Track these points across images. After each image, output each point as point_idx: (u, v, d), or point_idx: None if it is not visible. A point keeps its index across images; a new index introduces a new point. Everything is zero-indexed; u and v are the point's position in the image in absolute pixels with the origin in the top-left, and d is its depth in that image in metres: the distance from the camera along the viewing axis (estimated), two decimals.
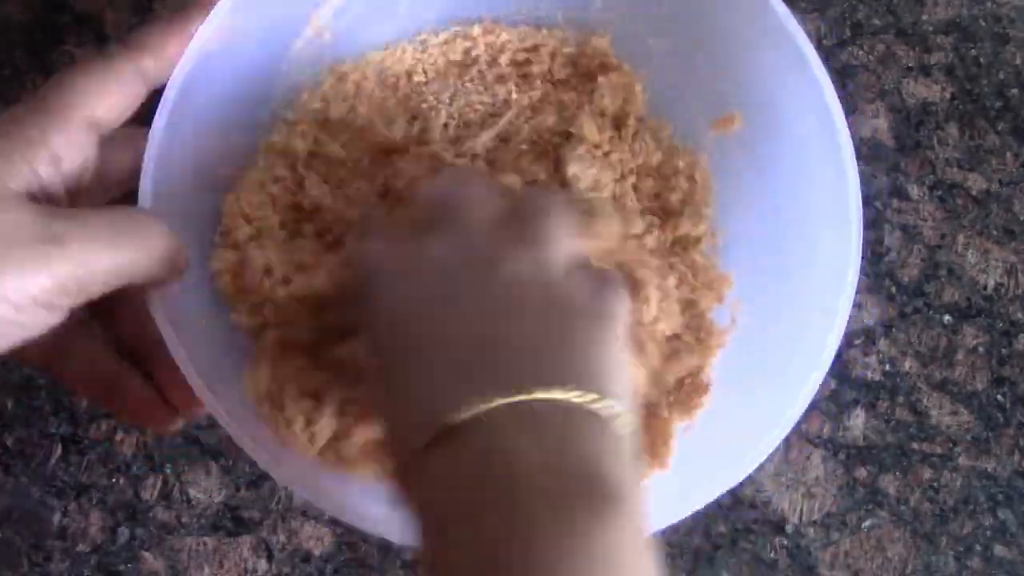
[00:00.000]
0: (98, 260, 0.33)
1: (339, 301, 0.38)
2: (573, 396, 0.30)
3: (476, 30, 0.47)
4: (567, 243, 0.35)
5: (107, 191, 0.37)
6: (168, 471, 0.48)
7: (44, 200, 0.34)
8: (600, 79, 0.46)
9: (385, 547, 0.47)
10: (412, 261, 0.35)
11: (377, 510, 0.37)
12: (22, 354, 0.39)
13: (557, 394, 0.30)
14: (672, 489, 0.40)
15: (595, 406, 0.31)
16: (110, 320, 0.40)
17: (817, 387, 0.40)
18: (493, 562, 0.28)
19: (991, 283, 0.52)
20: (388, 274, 0.35)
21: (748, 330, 0.44)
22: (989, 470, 0.50)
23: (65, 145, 0.34)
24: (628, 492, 0.30)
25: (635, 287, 0.40)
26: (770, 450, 0.40)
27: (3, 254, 0.31)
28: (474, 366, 0.32)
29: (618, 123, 0.46)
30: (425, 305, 0.34)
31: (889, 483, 0.50)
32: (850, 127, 0.40)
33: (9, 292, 0.31)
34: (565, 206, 0.37)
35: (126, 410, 0.40)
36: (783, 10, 0.41)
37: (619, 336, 0.34)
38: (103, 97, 0.35)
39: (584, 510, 0.29)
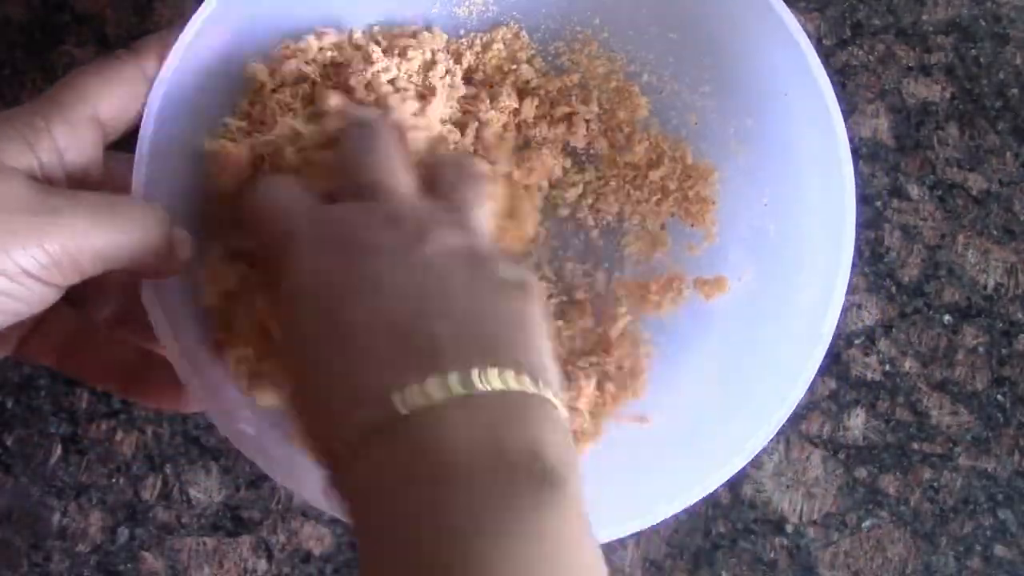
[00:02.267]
0: (90, 236, 0.33)
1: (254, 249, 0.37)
2: (511, 381, 0.30)
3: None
4: (483, 212, 0.36)
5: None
6: (168, 471, 0.48)
7: (45, 183, 0.35)
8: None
9: None
10: (337, 230, 0.34)
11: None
12: (36, 354, 0.40)
13: (495, 382, 0.30)
14: (665, 488, 0.40)
15: (532, 389, 0.30)
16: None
17: (805, 390, 0.40)
18: (435, 564, 0.28)
19: (991, 283, 0.52)
20: (310, 241, 0.34)
21: (740, 329, 0.44)
22: (989, 470, 0.50)
23: (68, 137, 0.35)
24: (569, 475, 0.29)
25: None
26: (757, 451, 0.40)
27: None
28: (406, 356, 0.30)
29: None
30: (353, 285, 0.32)
31: (889, 483, 0.50)
32: (850, 127, 0.41)
33: (3, 261, 0.32)
34: (478, 172, 0.37)
35: (149, 395, 0.41)
36: (784, 10, 0.41)
37: (543, 312, 0.33)
38: (109, 96, 0.37)
39: (528, 498, 0.28)
